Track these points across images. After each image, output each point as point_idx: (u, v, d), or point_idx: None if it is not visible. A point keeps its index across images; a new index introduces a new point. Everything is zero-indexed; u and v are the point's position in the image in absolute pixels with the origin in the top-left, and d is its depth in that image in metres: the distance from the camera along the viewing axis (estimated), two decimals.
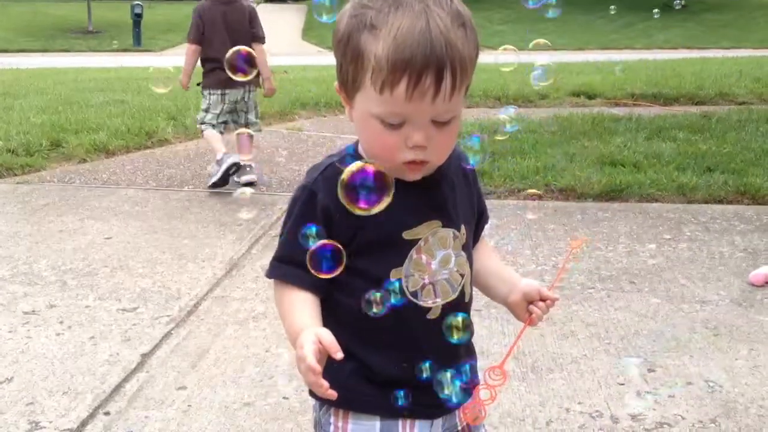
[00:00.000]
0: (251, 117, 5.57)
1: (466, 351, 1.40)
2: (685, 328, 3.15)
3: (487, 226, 1.50)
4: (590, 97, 9.35)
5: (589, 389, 2.67)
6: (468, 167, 1.40)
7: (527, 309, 1.40)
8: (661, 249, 4.12)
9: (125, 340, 3.04)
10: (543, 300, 1.40)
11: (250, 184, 5.33)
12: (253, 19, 5.47)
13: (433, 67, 1.15)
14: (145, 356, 2.91)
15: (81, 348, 2.98)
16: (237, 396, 2.62)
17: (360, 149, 1.33)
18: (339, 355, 1.16)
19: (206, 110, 5.44)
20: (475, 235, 1.46)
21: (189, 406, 2.57)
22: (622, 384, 2.70)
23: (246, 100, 5.49)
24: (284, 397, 2.61)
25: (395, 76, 1.16)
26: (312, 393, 1.38)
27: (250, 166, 5.42)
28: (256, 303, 3.40)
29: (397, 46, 1.15)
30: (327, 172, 1.30)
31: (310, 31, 28.76)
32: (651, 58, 15.13)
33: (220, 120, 5.45)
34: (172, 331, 3.14)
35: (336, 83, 1.29)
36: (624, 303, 3.41)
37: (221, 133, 5.46)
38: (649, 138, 6.67)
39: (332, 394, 1.17)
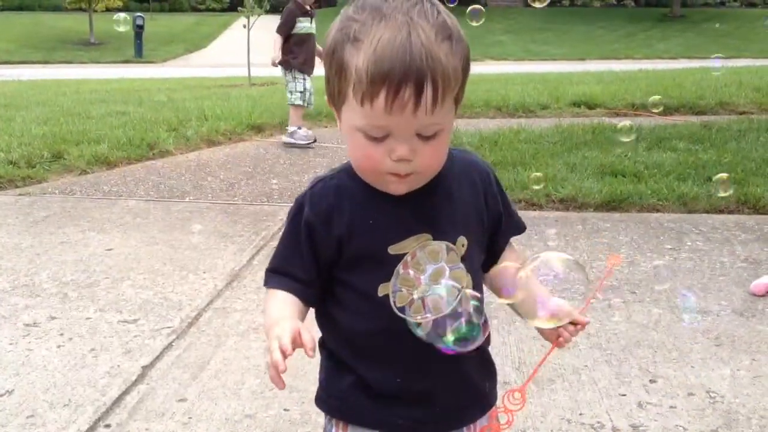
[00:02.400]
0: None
1: (480, 368, 1.38)
2: (686, 338, 3.15)
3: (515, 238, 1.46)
4: (591, 107, 9.36)
5: (590, 400, 2.66)
6: (482, 172, 1.38)
7: (556, 331, 1.34)
8: (663, 259, 4.12)
9: (126, 352, 3.04)
10: (573, 324, 1.34)
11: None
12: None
13: (412, 79, 1.13)
14: (146, 368, 2.91)
15: (82, 360, 2.98)
16: (238, 408, 2.62)
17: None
18: (311, 354, 1.14)
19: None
20: (496, 246, 1.41)
21: (190, 418, 2.56)
22: (624, 395, 2.70)
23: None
24: (285, 409, 2.61)
25: (374, 88, 1.14)
26: (316, 402, 1.39)
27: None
28: (256, 314, 3.40)
29: (376, 58, 1.13)
30: (316, 188, 1.32)
31: None
32: (651, 67, 15.16)
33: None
34: (173, 343, 3.13)
35: (326, 96, 1.29)
36: (625, 313, 3.40)
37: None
38: (649, 148, 6.67)
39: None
